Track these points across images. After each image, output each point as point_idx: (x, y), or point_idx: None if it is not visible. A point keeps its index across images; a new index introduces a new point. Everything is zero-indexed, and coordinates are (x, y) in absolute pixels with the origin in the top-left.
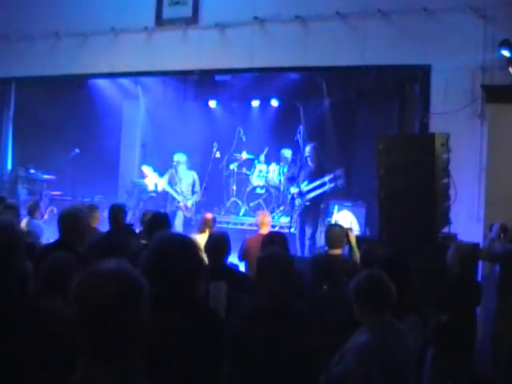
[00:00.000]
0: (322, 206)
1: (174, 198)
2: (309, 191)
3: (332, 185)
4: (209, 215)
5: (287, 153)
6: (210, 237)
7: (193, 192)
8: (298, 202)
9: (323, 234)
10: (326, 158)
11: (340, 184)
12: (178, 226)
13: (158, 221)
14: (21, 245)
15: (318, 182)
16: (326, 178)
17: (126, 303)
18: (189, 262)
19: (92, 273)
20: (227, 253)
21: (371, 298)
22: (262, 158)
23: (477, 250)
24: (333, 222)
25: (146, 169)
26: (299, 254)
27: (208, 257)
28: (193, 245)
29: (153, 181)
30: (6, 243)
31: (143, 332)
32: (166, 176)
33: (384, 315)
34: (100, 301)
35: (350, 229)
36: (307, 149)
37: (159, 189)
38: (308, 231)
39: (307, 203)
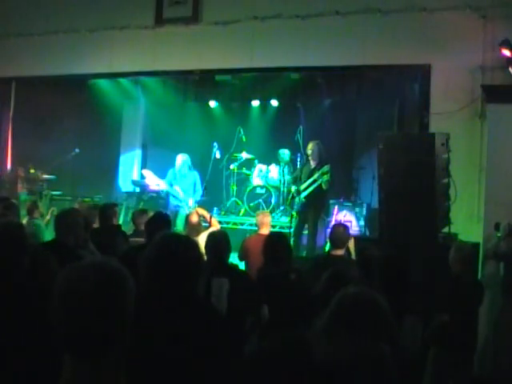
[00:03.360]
0: (321, 204)
1: (175, 198)
2: (304, 189)
3: (320, 181)
4: (194, 218)
5: (286, 153)
6: (209, 235)
7: (194, 191)
8: (296, 201)
9: (323, 234)
10: (326, 155)
11: (326, 180)
12: (179, 225)
13: (159, 221)
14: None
15: (310, 180)
16: (315, 175)
17: (111, 296)
18: (189, 260)
19: (78, 271)
20: (228, 251)
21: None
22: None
23: (477, 250)
24: (333, 221)
25: (147, 172)
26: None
27: (209, 255)
28: (193, 244)
29: (154, 183)
30: (14, 242)
31: (126, 329)
32: (167, 177)
33: None
34: (83, 294)
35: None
36: (310, 145)
37: (161, 189)
38: (306, 231)
39: (303, 200)
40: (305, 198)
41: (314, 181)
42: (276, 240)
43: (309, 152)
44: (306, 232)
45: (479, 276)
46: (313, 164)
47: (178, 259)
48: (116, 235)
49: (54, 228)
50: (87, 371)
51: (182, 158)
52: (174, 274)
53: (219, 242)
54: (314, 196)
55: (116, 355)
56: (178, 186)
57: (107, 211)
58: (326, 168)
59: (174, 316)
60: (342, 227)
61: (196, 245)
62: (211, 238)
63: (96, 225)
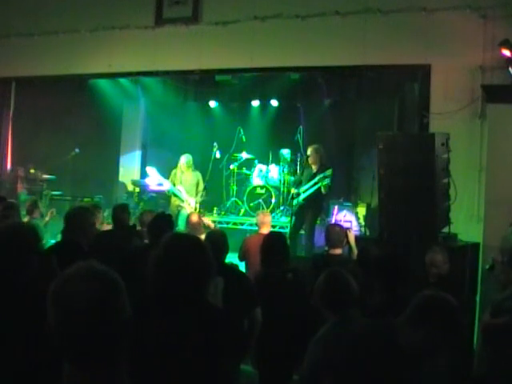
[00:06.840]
0: (319, 206)
1: (178, 198)
2: (304, 191)
3: (320, 184)
4: (194, 218)
5: (285, 153)
6: (207, 235)
7: (197, 192)
8: (295, 202)
9: (323, 234)
10: (326, 158)
11: (326, 184)
12: (181, 225)
13: (162, 222)
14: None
15: (311, 183)
16: (317, 178)
17: (107, 305)
18: (199, 261)
19: (69, 277)
20: (225, 251)
21: (329, 297)
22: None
23: (477, 250)
24: (333, 221)
25: (151, 170)
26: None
27: None
28: (202, 245)
29: (157, 182)
30: (20, 243)
31: (126, 333)
32: (171, 177)
33: (345, 313)
34: (81, 305)
35: (350, 228)
36: (308, 151)
37: (164, 188)
38: (304, 231)
39: (302, 202)
40: (303, 199)
41: (315, 183)
42: (273, 239)
43: (308, 156)
44: (303, 232)
45: (479, 276)
46: (314, 169)
47: (186, 260)
48: (132, 236)
49: (64, 227)
50: (88, 378)
51: (184, 158)
52: (182, 275)
53: (216, 241)
54: (312, 198)
55: (116, 358)
56: (181, 187)
57: (121, 212)
58: (328, 172)
59: (179, 316)
60: (337, 227)
61: (205, 246)
62: (208, 237)
63: (97, 225)
